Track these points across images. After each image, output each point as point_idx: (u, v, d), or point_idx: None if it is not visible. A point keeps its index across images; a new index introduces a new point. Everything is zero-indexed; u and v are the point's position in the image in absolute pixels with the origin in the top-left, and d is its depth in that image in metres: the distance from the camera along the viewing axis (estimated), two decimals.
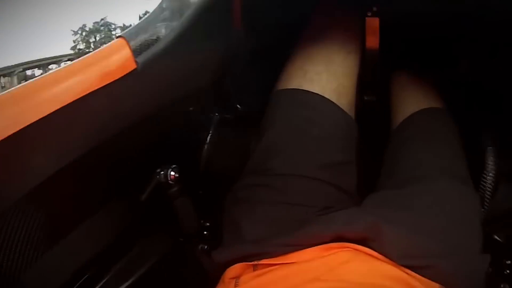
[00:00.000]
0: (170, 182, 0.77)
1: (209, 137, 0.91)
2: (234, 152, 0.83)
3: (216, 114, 0.93)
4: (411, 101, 0.91)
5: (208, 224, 0.89)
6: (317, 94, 0.78)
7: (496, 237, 0.90)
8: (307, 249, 0.64)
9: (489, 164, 0.88)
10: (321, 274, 0.60)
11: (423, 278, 0.63)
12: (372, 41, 0.98)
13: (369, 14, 0.95)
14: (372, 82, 1.04)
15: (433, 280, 0.63)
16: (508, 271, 0.85)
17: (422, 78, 0.96)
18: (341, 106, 0.79)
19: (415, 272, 0.63)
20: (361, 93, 1.07)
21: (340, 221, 0.66)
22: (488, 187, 0.88)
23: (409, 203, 0.71)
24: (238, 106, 0.96)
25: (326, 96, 0.78)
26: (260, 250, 0.65)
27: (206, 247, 0.87)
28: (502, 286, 0.84)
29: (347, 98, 0.81)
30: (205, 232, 0.89)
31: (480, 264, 0.66)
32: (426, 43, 1.07)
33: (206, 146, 0.90)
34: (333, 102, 0.78)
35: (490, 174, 0.88)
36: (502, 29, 0.89)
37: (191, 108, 0.85)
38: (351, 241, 0.64)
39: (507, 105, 0.94)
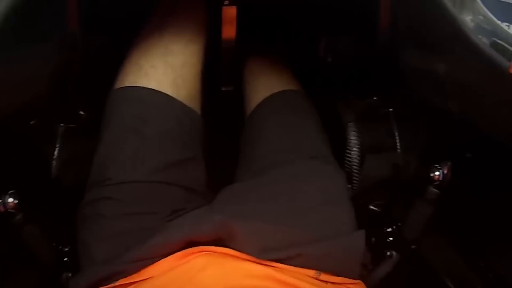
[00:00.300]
0: (10, 210, 0.68)
1: (56, 152, 0.83)
2: (86, 165, 0.76)
3: (61, 124, 0.85)
4: (264, 86, 0.88)
5: (67, 249, 0.81)
6: (151, 89, 0.73)
7: (372, 207, 0.90)
8: (161, 260, 0.59)
9: (351, 139, 0.88)
10: (181, 285, 0.56)
11: (294, 268, 0.60)
12: (229, 31, 0.94)
13: (226, 2, 0.91)
14: (230, 72, 1.01)
15: (306, 268, 0.61)
16: (391, 238, 0.86)
17: (275, 63, 0.94)
18: (180, 99, 0.74)
19: (285, 264, 0.60)
20: (219, 84, 1.04)
21: (187, 225, 0.62)
22: (354, 162, 0.88)
23: (265, 193, 0.69)
24: (81, 113, 0.88)
25: (162, 90, 0.73)
26: (113, 270, 0.60)
27: (70, 275, 0.79)
28: (388, 253, 0.84)
29: (188, 90, 0.76)
30: (65, 259, 0.80)
31: (355, 241, 0.64)
32: (281, 26, 1.05)
33: (54, 162, 0.82)
34: (170, 96, 0.73)
35: (354, 149, 0.88)
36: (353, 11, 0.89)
37: (31, 122, 0.76)
38: (206, 243, 0.60)
39: (363, 80, 0.94)
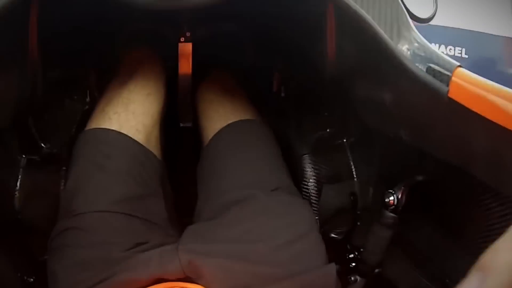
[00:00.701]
0: None
1: (18, 184, 0.82)
2: (49, 197, 0.75)
3: (23, 156, 0.85)
4: (219, 116, 0.88)
5: (32, 280, 0.79)
6: (114, 130, 0.77)
7: (333, 235, 0.91)
8: None
9: (307, 171, 0.90)
10: None
11: None
12: (185, 66, 0.98)
13: (182, 39, 0.94)
14: (187, 108, 1.03)
15: None
16: (353, 264, 0.87)
17: (230, 90, 0.95)
18: (139, 141, 0.78)
19: None
20: (177, 120, 1.05)
21: (153, 264, 0.62)
22: (312, 193, 0.89)
23: (232, 230, 0.68)
24: (42, 145, 0.88)
25: (124, 132, 0.77)
26: None
27: None
28: (352, 278, 0.85)
29: (147, 134, 0.80)
30: None
31: (327, 275, 0.64)
32: (235, 62, 1.08)
33: (16, 194, 0.81)
34: (130, 137, 0.77)
35: (311, 180, 0.90)
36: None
37: None
38: (175, 280, 0.60)
39: (316, 113, 0.97)
